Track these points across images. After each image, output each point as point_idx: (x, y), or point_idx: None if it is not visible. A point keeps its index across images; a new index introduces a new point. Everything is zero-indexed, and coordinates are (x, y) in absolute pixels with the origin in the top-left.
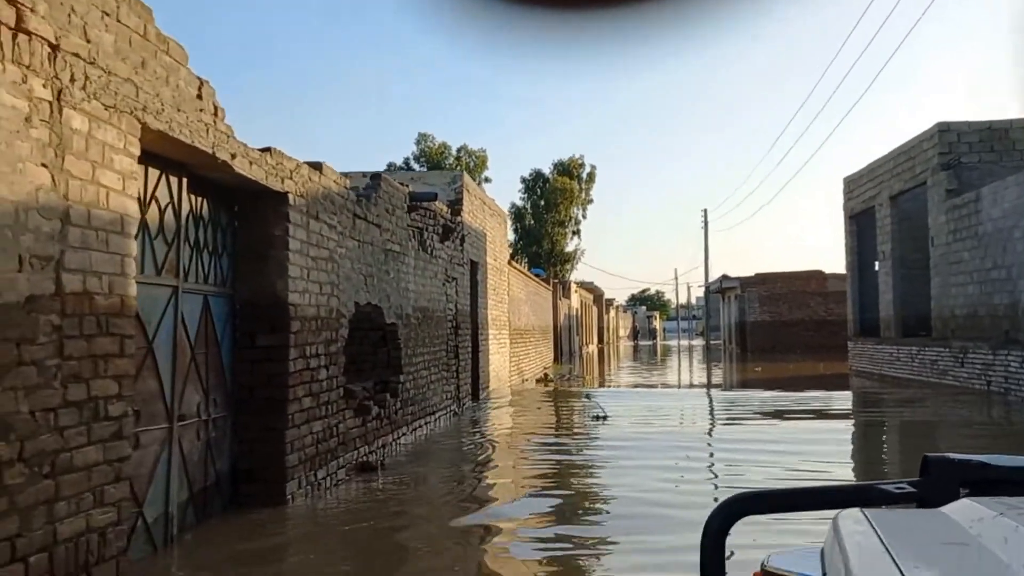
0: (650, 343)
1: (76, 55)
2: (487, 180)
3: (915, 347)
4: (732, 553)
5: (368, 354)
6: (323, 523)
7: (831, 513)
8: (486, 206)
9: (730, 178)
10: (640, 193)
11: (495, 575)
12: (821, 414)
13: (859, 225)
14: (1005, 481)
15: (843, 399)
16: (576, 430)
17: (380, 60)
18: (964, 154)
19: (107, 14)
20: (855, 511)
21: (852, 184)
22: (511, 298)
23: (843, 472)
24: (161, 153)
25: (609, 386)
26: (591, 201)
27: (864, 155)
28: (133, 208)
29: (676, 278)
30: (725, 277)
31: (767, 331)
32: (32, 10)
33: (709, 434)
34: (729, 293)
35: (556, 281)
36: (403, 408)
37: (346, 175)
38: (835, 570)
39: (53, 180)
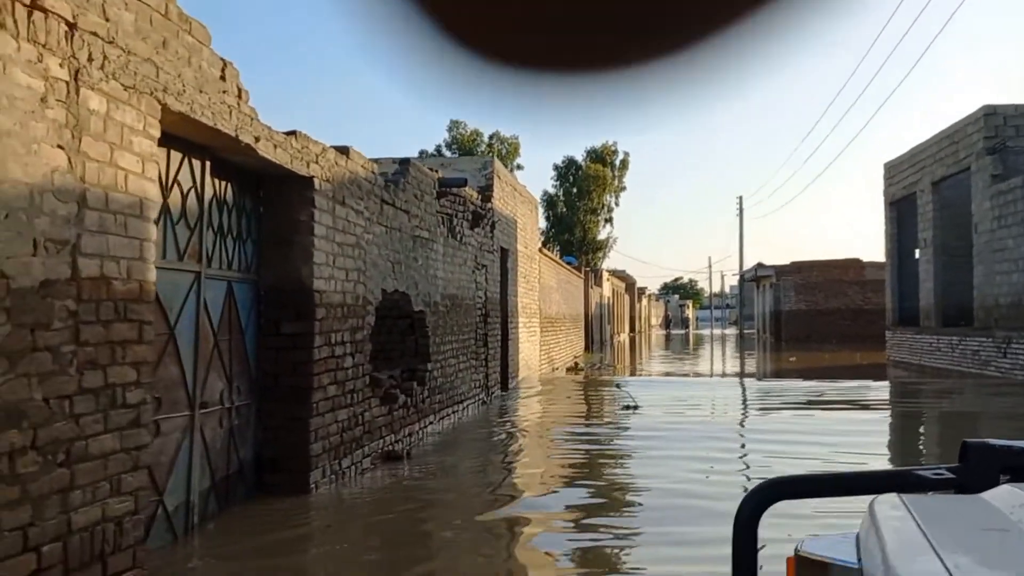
0: (682, 332)
1: (94, 34)
2: (519, 167)
3: (956, 337)
4: (764, 545)
5: (395, 342)
6: (347, 513)
7: (865, 507)
8: (517, 193)
9: (766, 164)
10: (674, 180)
11: (522, 568)
12: (857, 404)
13: (899, 212)
14: None
15: (880, 389)
16: (606, 419)
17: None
18: (1010, 138)
19: None
20: (891, 496)
21: (893, 170)
22: (542, 286)
23: (879, 464)
24: (183, 136)
25: (640, 375)
26: (624, 188)
27: (905, 140)
28: (153, 191)
29: (710, 266)
30: (760, 265)
31: (802, 320)
32: None
33: (741, 424)
34: (764, 281)
35: (588, 269)
36: (431, 397)
37: (375, 161)
38: (871, 555)
39: (70, 162)
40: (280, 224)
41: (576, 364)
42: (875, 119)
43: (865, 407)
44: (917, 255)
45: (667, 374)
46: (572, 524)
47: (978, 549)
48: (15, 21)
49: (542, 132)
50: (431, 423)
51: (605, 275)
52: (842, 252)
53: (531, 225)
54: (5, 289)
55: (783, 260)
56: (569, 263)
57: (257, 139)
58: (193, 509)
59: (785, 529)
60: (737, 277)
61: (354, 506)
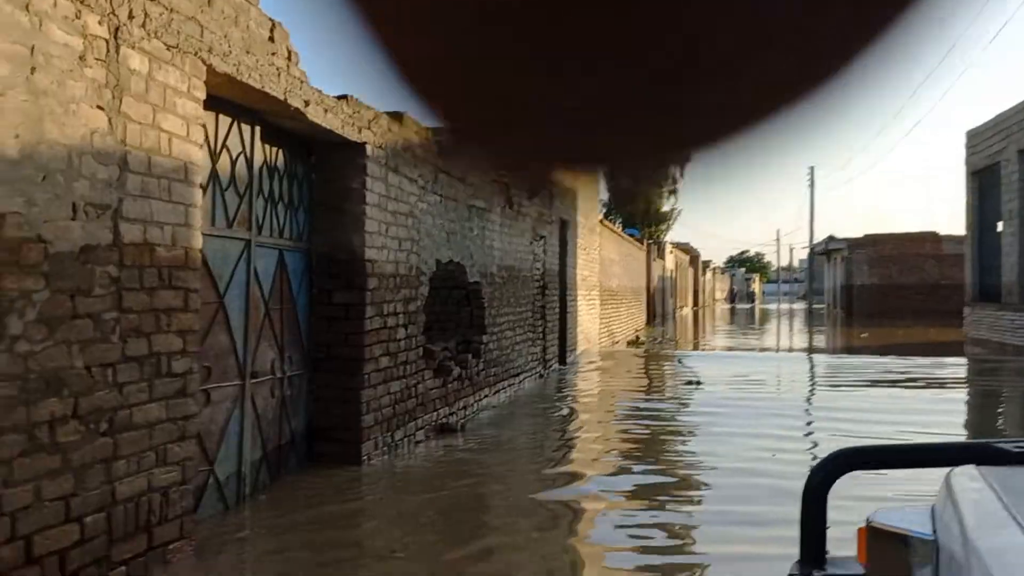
0: (748, 306)
1: None
2: None
3: None
4: (828, 526)
5: (450, 314)
6: (400, 487)
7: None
8: None
9: (840, 131)
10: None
11: (584, 548)
12: (932, 383)
13: (982, 182)
14: None
15: (957, 367)
16: (668, 395)
17: None
18: None
19: None
20: (970, 468)
21: (976, 138)
22: (602, 258)
23: None
24: (231, 99)
25: (703, 350)
26: (690, 160)
27: (990, 107)
28: (198, 155)
29: (778, 239)
30: (831, 238)
31: (875, 295)
32: None
33: (809, 401)
34: (835, 255)
35: (650, 242)
36: (486, 369)
37: (431, 129)
38: (947, 528)
39: (110, 123)
40: (331, 192)
41: (637, 338)
42: (957, 86)
43: (940, 385)
44: (1000, 228)
45: (731, 349)
46: (634, 503)
47: None
48: None
49: None
50: (486, 396)
51: (668, 247)
52: (918, 225)
53: (592, 196)
54: (43, 254)
55: (856, 233)
56: (631, 235)
57: (307, 103)
58: (244, 479)
59: (854, 511)
60: (807, 250)
61: (407, 480)
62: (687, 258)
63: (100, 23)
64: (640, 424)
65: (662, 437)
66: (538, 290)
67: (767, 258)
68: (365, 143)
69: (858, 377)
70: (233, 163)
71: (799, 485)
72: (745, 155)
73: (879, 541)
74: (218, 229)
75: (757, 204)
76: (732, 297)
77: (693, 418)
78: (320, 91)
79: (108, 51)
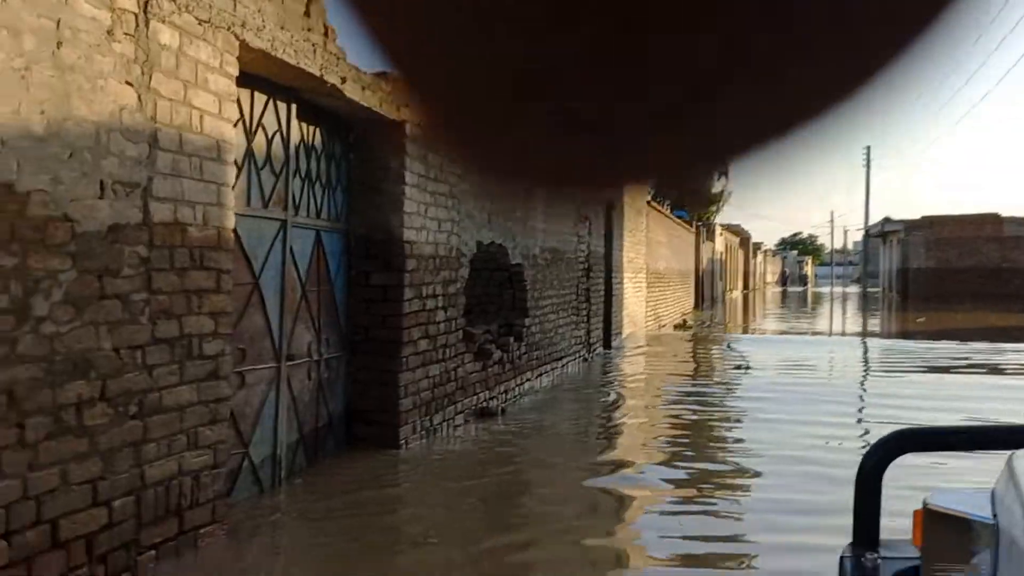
0: (800, 290)
1: None
2: None
3: None
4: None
5: (492, 296)
6: (437, 473)
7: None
8: None
9: (896, 111)
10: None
11: (628, 540)
12: (992, 369)
13: None
14: None
15: (1018, 352)
16: (716, 379)
17: None
18: None
19: None
20: None
21: None
22: (649, 240)
23: None
24: (266, 76)
25: (753, 333)
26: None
27: None
28: (230, 133)
29: (832, 221)
30: (887, 220)
31: (932, 278)
32: None
33: (862, 387)
34: (891, 237)
35: (699, 223)
36: (528, 353)
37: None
38: (1009, 511)
39: (139, 100)
40: (369, 171)
41: (684, 321)
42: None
43: (1000, 371)
44: None
45: (782, 333)
46: (680, 492)
47: None
48: None
49: None
50: (528, 380)
51: (718, 229)
52: (978, 207)
53: (639, 188)
54: (69, 233)
55: (913, 214)
56: (680, 217)
57: (344, 80)
58: (280, 462)
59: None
60: (862, 232)
61: (445, 465)
62: (737, 240)
63: None
64: (687, 410)
65: (709, 423)
66: (582, 272)
67: (820, 240)
68: (405, 121)
69: (914, 362)
70: (269, 142)
71: (851, 474)
72: (799, 142)
73: (936, 524)
74: (253, 209)
75: (811, 185)
76: (784, 280)
77: (742, 404)
78: (358, 67)
79: (137, 25)
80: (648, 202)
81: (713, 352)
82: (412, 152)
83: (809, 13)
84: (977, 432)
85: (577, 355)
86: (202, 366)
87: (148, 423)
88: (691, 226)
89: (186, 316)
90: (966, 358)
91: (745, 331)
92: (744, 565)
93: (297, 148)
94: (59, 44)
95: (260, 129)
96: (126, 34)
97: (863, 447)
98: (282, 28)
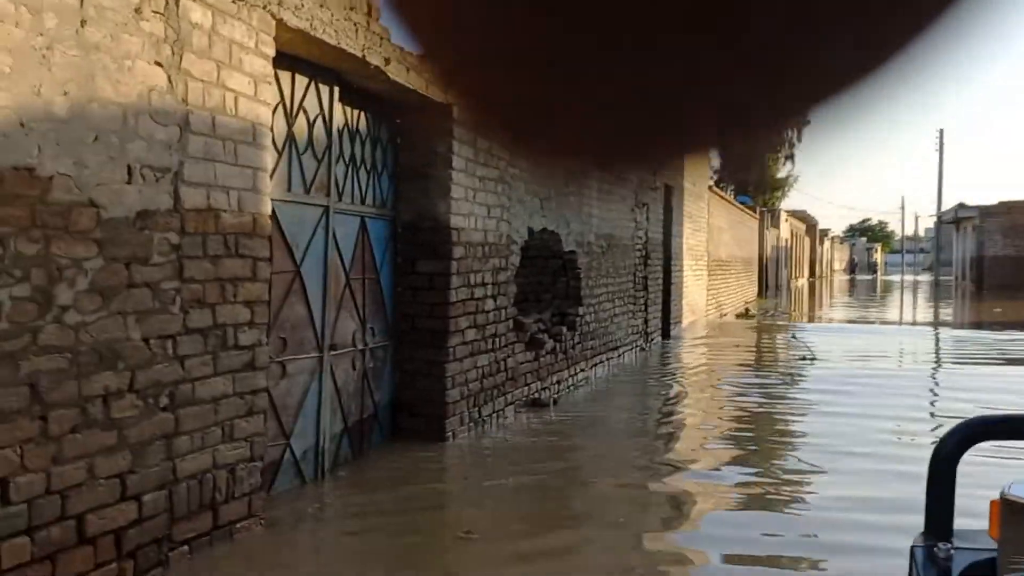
0: (869, 278)
1: None
2: None
3: None
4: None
5: (545, 284)
6: (484, 467)
7: None
8: None
9: (972, 93)
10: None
11: (687, 545)
12: None
13: None
14: None
15: None
16: (780, 370)
17: None
18: None
19: None
20: None
21: None
22: (711, 227)
23: None
24: (306, 57)
25: (819, 322)
26: (809, 122)
27: None
28: (266, 116)
29: (902, 207)
30: (961, 206)
31: (1010, 267)
32: None
33: (934, 379)
34: (965, 223)
35: (764, 209)
36: (582, 343)
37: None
38: None
39: (169, 81)
40: (416, 156)
41: (747, 310)
42: None
43: None
44: None
45: (850, 321)
46: (743, 489)
47: None
48: None
49: None
50: (582, 371)
51: (783, 216)
52: None
53: (701, 162)
54: (95, 219)
55: (989, 200)
56: (743, 203)
57: (387, 61)
58: (323, 453)
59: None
60: (934, 218)
61: (492, 458)
62: (803, 227)
63: None
64: (749, 402)
65: (773, 416)
66: (639, 260)
67: (890, 227)
68: (452, 104)
69: (989, 354)
70: (310, 126)
71: (924, 470)
72: (867, 107)
73: (1015, 515)
74: (294, 195)
75: (881, 169)
76: (852, 268)
77: (807, 396)
78: (402, 48)
79: (167, 3)
80: (710, 187)
81: (777, 341)
82: (460, 136)
83: None
84: None
85: (634, 345)
86: (237, 356)
87: (180, 415)
88: (755, 212)
89: (220, 305)
90: None
91: (811, 320)
92: (811, 566)
93: (340, 132)
94: (83, 22)
95: (301, 112)
96: (155, 12)
97: (935, 443)
98: (321, 6)
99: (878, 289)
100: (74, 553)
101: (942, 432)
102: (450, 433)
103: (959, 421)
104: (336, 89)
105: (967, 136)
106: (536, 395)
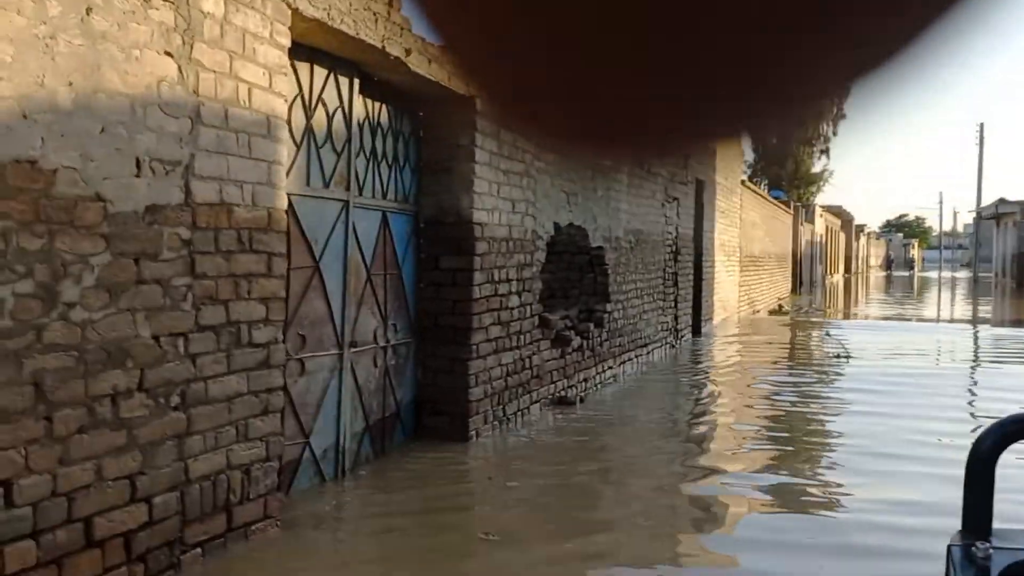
0: (906, 274)
1: None
2: None
3: None
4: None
5: (572, 281)
6: (507, 468)
7: None
8: None
9: (1014, 84)
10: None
11: (706, 551)
12: None
13: None
14: None
15: None
16: (814, 369)
17: None
18: None
19: None
20: None
21: None
22: (743, 222)
23: None
24: (324, 48)
25: (854, 319)
26: (844, 116)
27: None
28: (282, 108)
29: (940, 202)
30: (1002, 201)
31: None
32: None
33: (972, 378)
34: (1006, 219)
35: (798, 204)
36: (609, 340)
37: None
38: None
39: (180, 72)
40: (438, 149)
41: (780, 306)
42: None
43: None
44: None
45: (885, 318)
46: (776, 492)
47: None
48: None
49: None
50: (610, 368)
51: (818, 211)
52: None
53: (734, 155)
54: (102, 214)
55: None
56: (776, 198)
57: (408, 52)
58: (344, 452)
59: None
60: (973, 214)
61: (517, 459)
62: (839, 222)
63: None
64: (782, 401)
65: (807, 416)
66: (669, 255)
67: (928, 222)
68: (475, 96)
69: None
70: (329, 118)
71: (961, 472)
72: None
73: None
74: (313, 189)
75: (919, 164)
76: (888, 264)
77: (842, 395)
78: (423, 39)
79: None
80: (742, 182)
81: (811, 338)
82: (483, 128)
83: None
84: None
85: (663, 342)
86: (252, 354)
87: (192, 415)
88: (789, 207)
89: (233, 302)
90: None
91: (846, 317)
92: (845, 571)
93: (361, 125)
94: (88, 10)
95: (320, 105)
96: (165, 0)
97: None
98: None
99: (915, 286)
100: (81, 557)
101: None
102: (474, 432)
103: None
104: (356, 81)
105: (1008, 130)
106: (563, 393)
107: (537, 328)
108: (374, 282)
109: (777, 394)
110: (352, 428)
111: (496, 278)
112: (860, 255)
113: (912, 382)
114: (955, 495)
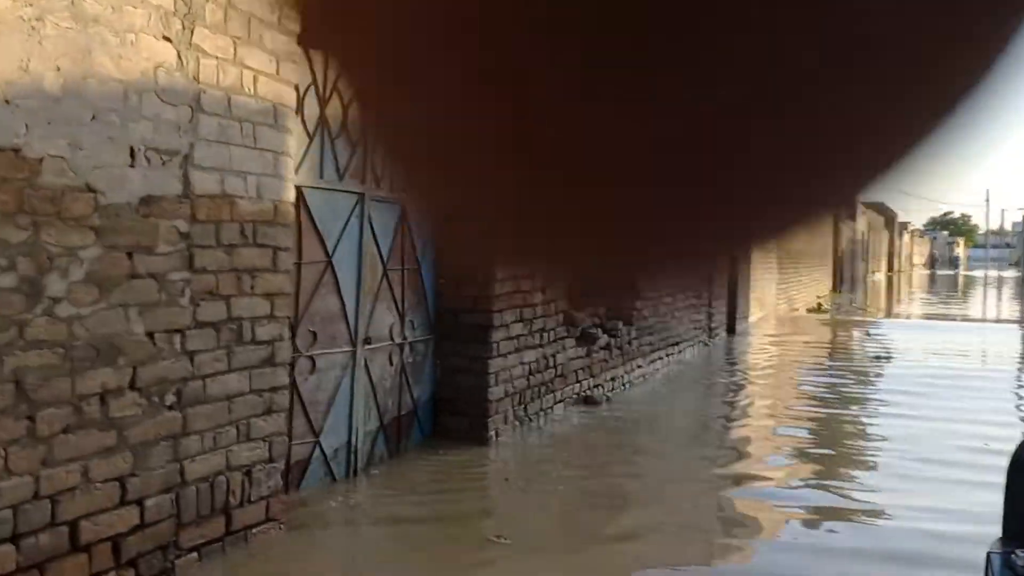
0: (951, 273)
1: None
2: None
3: None
4: None
5: (599, 276)
6: (528, 471)
7: None
8: None
9: None
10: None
11: (746, 557)
12: None
13: None
14: None
15: None
16: (853, 370)
17: None
18: None
19: None
20: None
21: None
22: None
23: None
24: None
25: (896, 318)
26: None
27: None
28: (290, 96)
29: (987, 199)
30: None
31: None
32: None
33: (1019, 380)
34: None
35: None
36: (639, 338)
37: None
38: None
39: (179, 57)
40: None
41: (819, 305)
42: None
43: None
44: None
45: (928, 317)
46: (815, 499)
47: None
48: None
49: None
50: (639, 368)
51: (860, 208)
52: None
53: None
54: (92, 205)
55: None
56: None
57: None
58: (356, 451)
59: None
60: (1022, 212)
61: (537, 460)
62: (881, 219)
63: None
64: (819, 403)
65: (846, 421)
66: None
67: (974, 220)
68: None
69: None
70: (344, 109)
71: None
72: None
73: None
74: (326, 181)
75: (963, 160)
76: (932, 262)
77: (883, 397)
78: None
79: None
80: None
81: (852, 338)
82: None
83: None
84: None
85: (696, 340)
86: (254, 352)
87: (188, 414)
88: None
89: (236, 297)
90: None
91: (888, 315)
92: None
93: None
94: None
95: (335, 94)
96: None
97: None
98: None
99: (959, 284)
100: (66, 561)
101: None
102: (493, 432)
103: None
104: None
105: None
106: (588, 392)
107: (562, 326)
108: (391, 277)
109: (814, 396)
110: (365, 427)
111: (519, 273)
112: (903, 253)
113: (956, 384)
114: (997, 501)
